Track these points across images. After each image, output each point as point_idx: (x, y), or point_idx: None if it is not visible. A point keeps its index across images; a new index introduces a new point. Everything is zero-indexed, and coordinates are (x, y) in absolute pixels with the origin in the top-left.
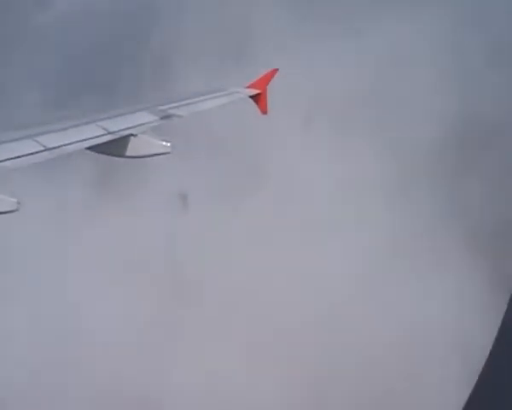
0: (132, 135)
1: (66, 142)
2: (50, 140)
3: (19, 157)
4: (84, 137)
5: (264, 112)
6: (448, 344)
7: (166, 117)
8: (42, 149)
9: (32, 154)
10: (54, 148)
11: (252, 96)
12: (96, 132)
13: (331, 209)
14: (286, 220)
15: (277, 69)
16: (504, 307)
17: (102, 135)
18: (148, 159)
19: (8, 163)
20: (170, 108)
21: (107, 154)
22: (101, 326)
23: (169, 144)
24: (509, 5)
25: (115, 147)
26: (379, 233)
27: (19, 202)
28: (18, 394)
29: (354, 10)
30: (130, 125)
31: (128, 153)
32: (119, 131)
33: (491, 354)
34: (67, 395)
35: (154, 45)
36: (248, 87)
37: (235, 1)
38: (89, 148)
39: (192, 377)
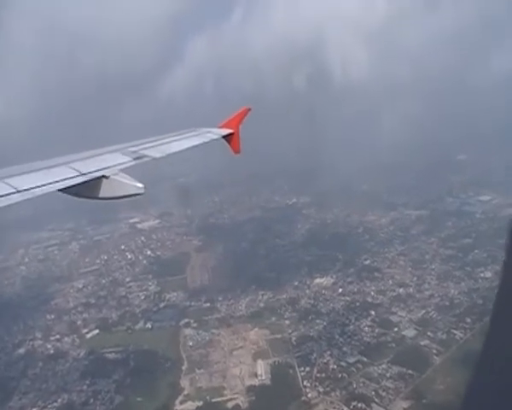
0: (104, 176)
1: (38, 184)
2: (22, 182)
3: None
4: (56, 179)
5: (237, 151)
6: None
7: (139, 158)
8: (13, 191)
9: (2, 196)
10: (25, 190)
11: (224, 136)
12: (68, 174)
13: None
14: None
15: (249, 109)
16: None
17: (75, 177)
18: None
19: None
20: (142, 149)
21: (80, 196)
22: None
23: (142, 185)
24: None
25: (88, 189)
26: None
27: None
28: None
29: None
30: (102, 167)
31: (101, 194)
32: (91, 172)
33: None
34: None
35: None
36: (221, 127)
37: None
38: (61, 190)
39: None
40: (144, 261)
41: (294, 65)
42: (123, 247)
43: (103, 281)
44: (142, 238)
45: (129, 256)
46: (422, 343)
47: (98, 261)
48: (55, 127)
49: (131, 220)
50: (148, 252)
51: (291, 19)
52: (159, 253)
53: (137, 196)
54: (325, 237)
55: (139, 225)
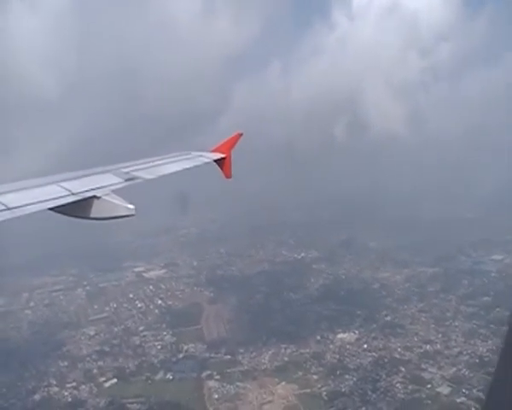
0: (96, 197)
1: (29, 202)
2: (12, 200)
3: None
4: (46, 198)
5: (229, 176)
6: None
7: (130, 179)
8: (3, 208)
9: None
10: (16, 207)
11: (216, 160)
12: (58, 193)
13: None
14: None
15: (242, 133)
16: None
17: (65, 196)
18: None
19: None
20: (134, 171)
21: (70, 215)
22: None
23: (132, 207)
24: None
25: (78, 208)
26: None
27: None
28: None
29: None
30: (93, 187)
31: (91, 215)
32: (82, 192)
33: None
34: None
35: None
36: (213, 151)
37: None
38: (52, 208)
39: None
40: (156, 311)
41: (330, 116)
42: (131, 295)
43: (115, 329)
44: (151, 287)
45: (139, 305)
46: (459, 401)
47: (107, 309)
48: (105, 156)
49: (136, 269)
50: (159, 301)
51: (330, 70)
52: (170, 303)
53: (140, 247)
54: (341, 293)
55: (145, 274)
